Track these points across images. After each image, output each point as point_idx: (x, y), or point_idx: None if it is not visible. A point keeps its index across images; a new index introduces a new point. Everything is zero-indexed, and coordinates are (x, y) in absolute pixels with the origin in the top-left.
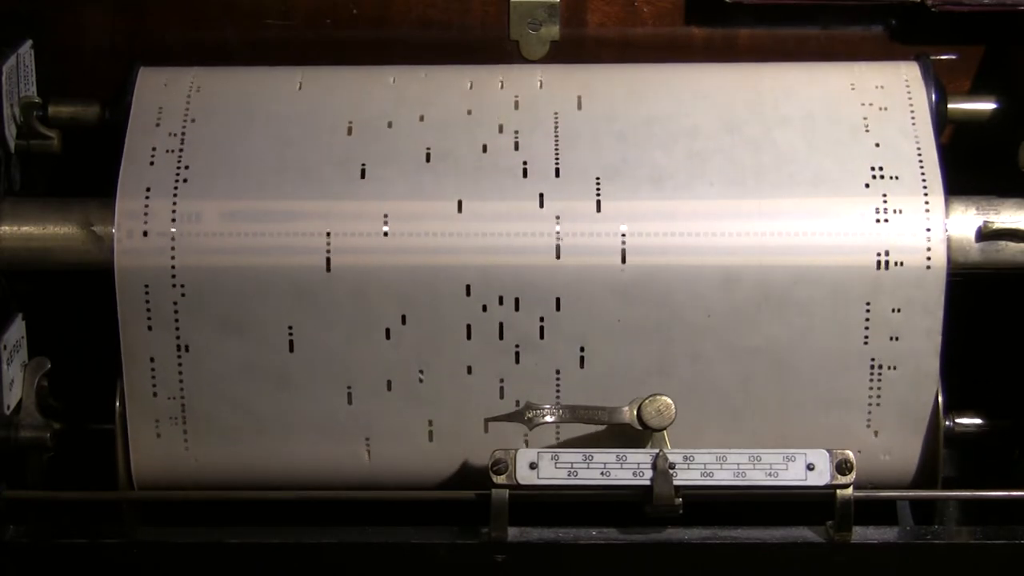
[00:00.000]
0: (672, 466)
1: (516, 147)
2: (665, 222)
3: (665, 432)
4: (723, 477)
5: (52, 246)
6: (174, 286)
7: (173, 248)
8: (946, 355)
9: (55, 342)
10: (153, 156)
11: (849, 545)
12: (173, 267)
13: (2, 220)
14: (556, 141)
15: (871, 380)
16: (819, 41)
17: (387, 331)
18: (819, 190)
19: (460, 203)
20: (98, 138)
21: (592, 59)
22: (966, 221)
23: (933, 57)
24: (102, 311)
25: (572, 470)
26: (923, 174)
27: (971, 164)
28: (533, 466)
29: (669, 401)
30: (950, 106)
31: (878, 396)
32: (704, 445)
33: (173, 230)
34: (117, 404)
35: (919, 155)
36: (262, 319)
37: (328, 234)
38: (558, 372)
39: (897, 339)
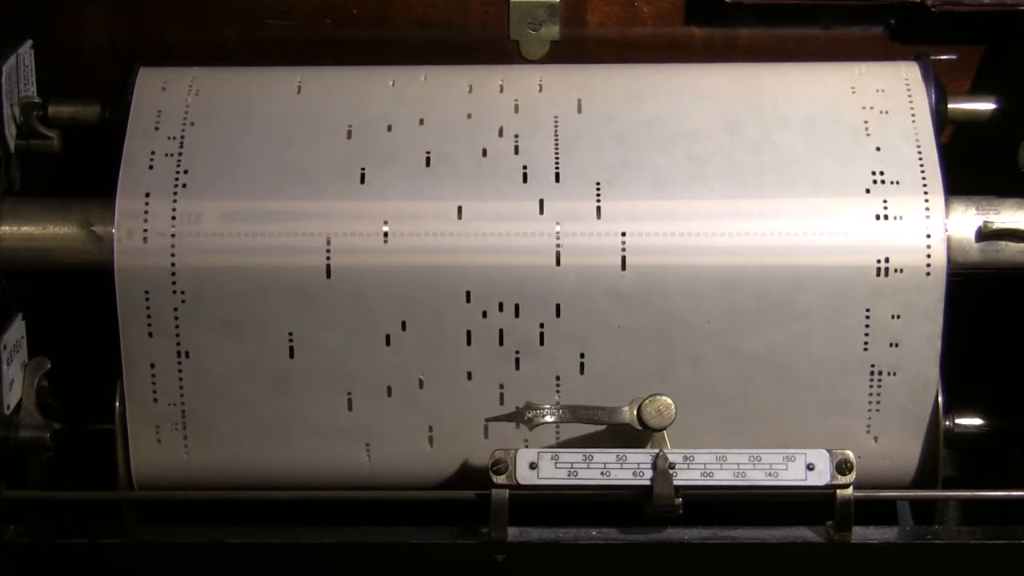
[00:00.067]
0: (672, 466)
1: (516, 151)
2: (665, 227)
3: (665, 432)
4: (723, 477)
5: (52, 246)
6: (174, 292)
7: (173, 248)
8: (946, 355)
9: (55, 342)
10: (152, 160)
11: (849, 545)
12: (173, 267)
13: (2, 220)
14: (556, 145)
15: (871, 386)
16: (819, 41)
17: (387, 337)
18: (819, 194)
19: (460, 208)
20: (98, 138)
21: (592, 59)
22: (966, 221)
23: (933, 57)
24: (102, 311)
25: (572, 470)
26: (923, 178)
27: (971, 164)
28: (533, 466)
29: (669, 401)
30: (950, 106)
31: (878, 402)
32: (704, 448)
33: (173, 230)
34: (117, 404)
35: (919, 159)
36: (262, 324)
37: (328, 240)
38: (558, 378)
39: (897, 345)
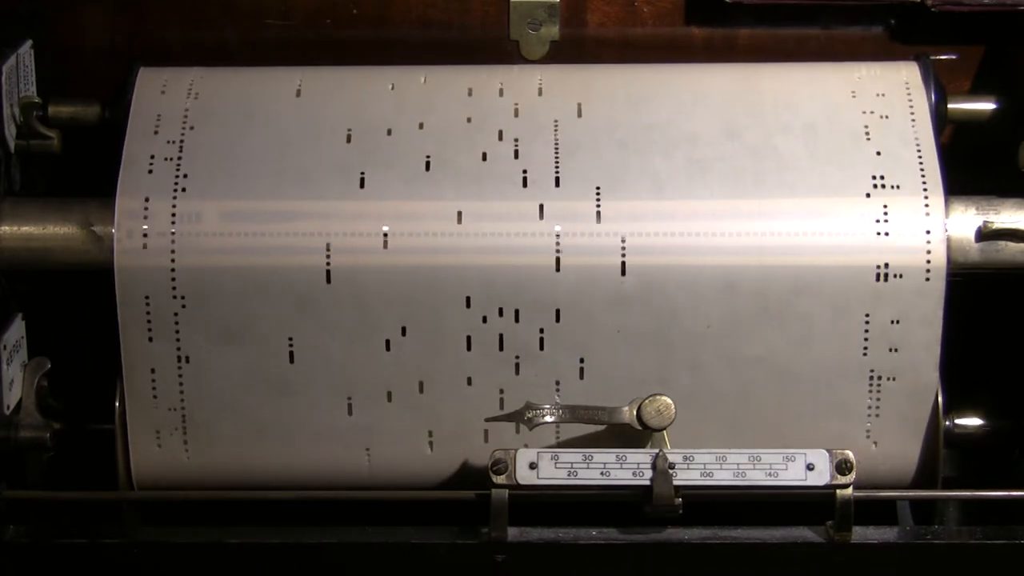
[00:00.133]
0: (672, 466)
1: (516, 155)
2: (665, 233)
3: (665, 432)
4: (723, 477)
5: (52, 246)
6: (175, 296)
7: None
8: (946, 355)
9: (55, 342)
10: (152, 164)
11: (849, 545)
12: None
13: (2, 220)
14: (556, 149)
15: (870, 391)
16: (819, 41)
17: (387, 342)
18: (820, 199)
19: (460, 213)
20: (98, 138)
21: (592, 59)
22: (966, 221)
23: (933, 57)
24: (102, 311)
25: (572, 470)
26: (924, 182)
27: (971, 164)
28: (533, 466)
29: (669, 401)
30: (950, 106)
31: (877, 407)
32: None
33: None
34: (117, 404)
35: (920, 163)
36: (262, 329)
37: (328, 244)
38: (558, 383)
39: (896, 350)
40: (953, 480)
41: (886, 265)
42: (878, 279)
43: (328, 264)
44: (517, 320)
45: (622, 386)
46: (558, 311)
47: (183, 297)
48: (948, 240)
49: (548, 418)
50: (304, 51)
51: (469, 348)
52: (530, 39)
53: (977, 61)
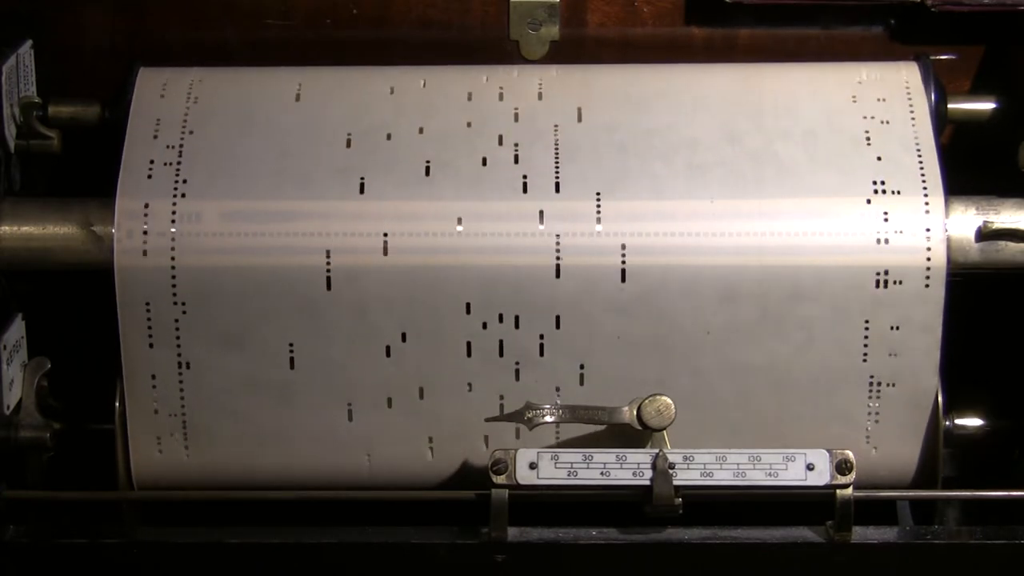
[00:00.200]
0: (672, 466)
1: (516, 160)
2: (665, 238)
3: (665, 432)
4: (723, 477)
5: (52, 246)
6: (175, 301)
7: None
8: (946, 355)
9: (55, 342)
10: (151, 169)
11: (849, 545)
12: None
13: (2, 220)
14: (556, 154)
15: (870, 397)
16: (819, 41)
17: (387, 348)
18: (820, 204)
19: (460, 219)
20: (98, 138)
21: (592, 59)
22: (966, 221)
23: (933, 57)
24: (102, 311)
25: (572, 470)
26: (924, 186)
27: (971, 164)
28: (533, 466)
29: (669, 401)
30: (950, 106)
31: (877, 413)
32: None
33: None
34: (117, 404)
35: (921, 167)
36: (263, 335)
37: (328, 251)
38: (558, 389)
39: (896, 356)
40: (953, 480)
41: (886, 272)
42: (878, 285)
43: (328, 270)
44: (517, 326)
45: (622, 392)
46: (558, 317)
47: (183, 303)
48: (948, 240)
49: (548, 418)
50: (304, 51)
51: (469, 354)
52: (530, 39)
53: (977, 61)
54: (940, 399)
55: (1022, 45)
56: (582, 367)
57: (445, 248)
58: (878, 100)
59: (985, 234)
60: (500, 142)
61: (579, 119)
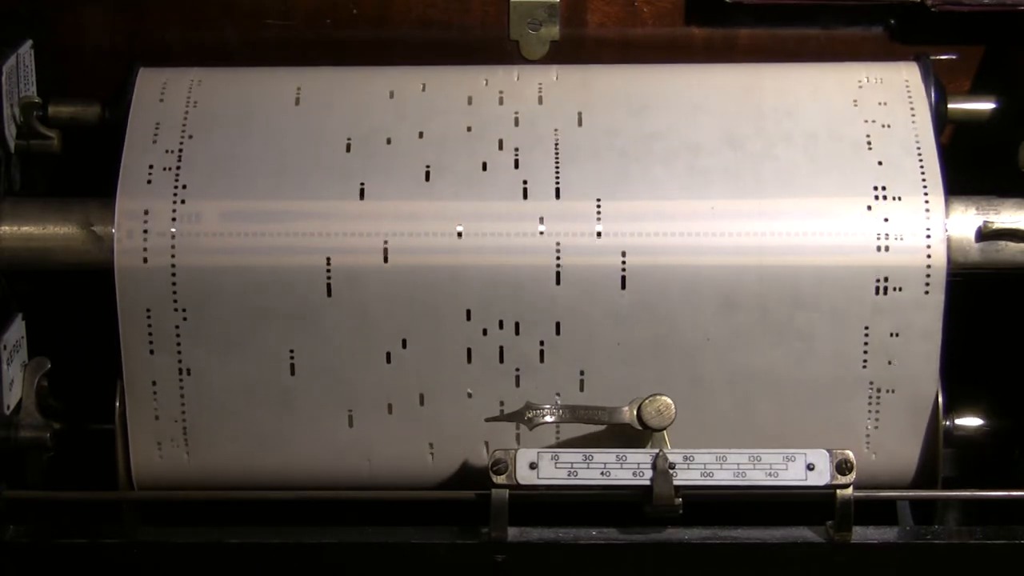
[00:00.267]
0: (672, 466)
1: (516, 165)
2: (665, 245)
3: (665, 432)
4: (723, 477)
5: (52, 246)
6: (175, 306)
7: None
8: (946, 355)
9: (55, 342)
10: (151, 174)
11: (849, 545)
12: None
13: (2, 220)
14: (556, 159)
15: (870, 403)
16: (819, 41)
17: (388, 354)
18: (821, 209)
19: (460, 226)
20: (98, 138)
21: (592, 59)
22: (966, 221)
23: (933, 57)
24: (102, 311)
25: (572, 470)
26: (925, 191)
27: (971, 164)
28: (533, 466)
29: (669, 401)
30: (950, 106)
31: (876, 419)
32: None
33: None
34: (117, 404)
35: (922, 173)
36: (263, 341)
37: (328, 259)
38: (558, 395)
39: (896, 363)
40: (953, 480)
41: (886, 279)
42: (877, 292)
43: (329, 276)
44: (517, 332)
45: (622, 398)
46: (558, 323)
47: (184, 310)
48: (948, 240)
49: (548, 418)
50: (304, 51)
51: (469, 360)
52: (530, 39)
53: (977, 61)
54: (940, 399)
55: (1022, 45)
56: (582, 373)
57: (445, 254)
58: (879, 104)
59: (985, 234)
60: (500, 147)
61: (579, 123)
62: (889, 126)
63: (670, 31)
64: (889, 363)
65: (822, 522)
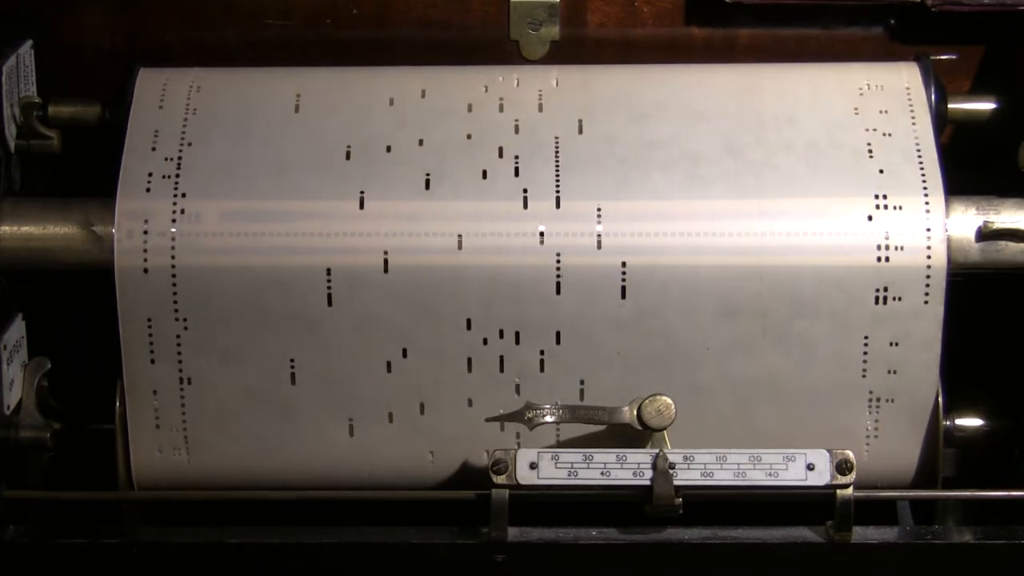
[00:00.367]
0: (672, 466)
1: (516, 173)
2: (666, 255)
3: (665, 432)
4: (723, 477)
5: (52, 246)
6: (177, 319)
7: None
8: (946, 355)
9: (55, 342)
10: (150, 183)
11: (849, 545)
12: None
13: (2, 220)
14: (556, 167)
15: (869, 412)
16: (819, 41)
17: (388, 364)
18: (822, 220)
19: (460, 235)
20: (98, 138)
21: (592, 59)
22: (966, 221)
23: (933, 57)
24: (102, 311)
25: (572, 470)
26: (926, 197)
27: (971, 164)
28: (533, 466)
29: (669, 401)
30: (950, 106)
31: (876, 427)
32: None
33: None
34: (117, 404)
35: (923, 178)
36: (264, 351)
37: (328, 269)
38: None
39: (895, 372)
40: (953, 480)
41: (885, 289)
42: (877, 302)
43: (329, 286)
44: (518, 342)
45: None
46: (558, 333)
47: (185, 319)
48: (948, 240)
49: (548, 418)
50: (304, 51)
51: (470, 370)
52: (530, 39)
53: (977, 61)
54: (940, 399)
55: (1022, 45)
56: (582, 383)
57: (445, 264)
58: (880, 112)
59: (985, 234)
60: (500, 154)
61: (580, 131)
62: (890, 134)
63: (670, 31)
64: (889, 372)
65: (822, 522)
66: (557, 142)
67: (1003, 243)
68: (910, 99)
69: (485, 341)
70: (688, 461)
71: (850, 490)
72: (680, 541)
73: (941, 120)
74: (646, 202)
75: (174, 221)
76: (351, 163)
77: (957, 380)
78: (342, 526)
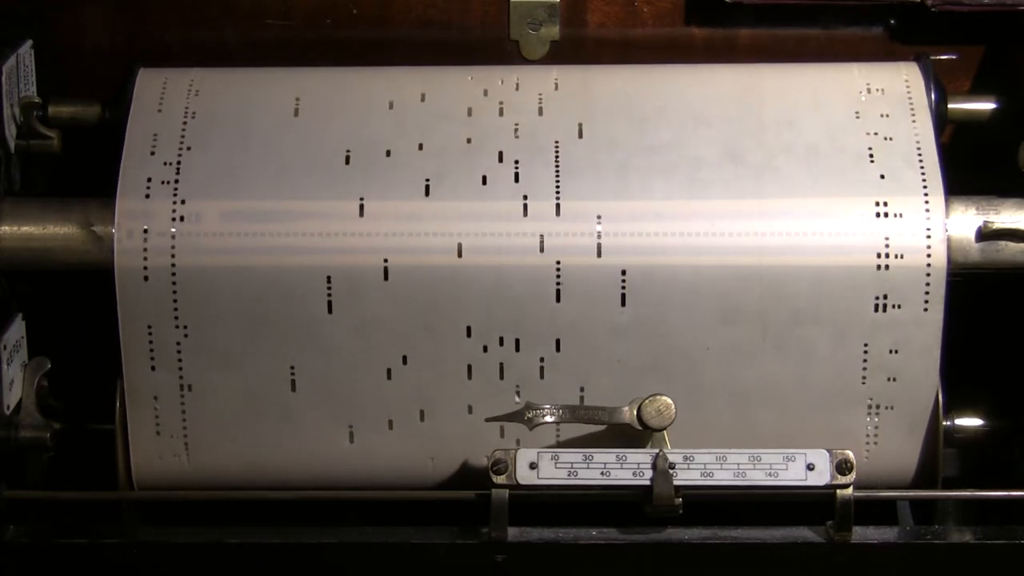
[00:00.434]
0: (672, 466)
1: (516, 178)
2: (666, 261)
3: (665, 432)
4: (723, 477)
5: (52, 246)
6: (177, 326)
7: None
8: (946, 355)
9: (55, 342)
10: (148, 188)
11: (849, 545)
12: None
13: (2, 220)
14: (556, 172)
15: (868, 418)
16: (819, 41)
17: (388, 371)
18: (822, 226)
19: (460, 242)
20: (98, 138)
21: (592, 59)
22: (966, 221)
23: (933, 57)
24: (102, 311)
25: (572, 470)
26: (927, 202)
27: (971, 164)
28: (533, 466)
29: (669, 401)
30: (950, 106)
31: (875, 435)
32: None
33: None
34: (117, 404)
35: (924, 186)
36: (264, 357)
37: (328, 277)
38: None
39: (895, 380)
40: (953, 480)
41: (885, 296)
42: (877, 309)
43: (329, 293)
44: (518, 349)
45: None
46: (558, 340)
47: (185, 326)
48: (948, 240)
49: (548, 418)
50: (304, 51)
51: (470, 377)
52: (530, 39)
53: (977, 61)
54: (940, 399)
55: (1022, 45)
56: (582, 390)
57: (445, 271)
58: (881, 116)
59: (985, 234)
60: (500, 159)
61: (580, 135)
62: (891, 138)
63: (670, 31)
64: (888, 379)
65: (822, 522)
66: (557, 146)
67: (1003, 243)
68: (910, 100)
69: (485, 348)
70: (688, 461)
71: (850, 490)
72: (680, 541)
73: (941, 120)
74: (646, 209)
75: (174, 221)
76: (351, 168)
77: (957, 380)
78: (342, 526)
